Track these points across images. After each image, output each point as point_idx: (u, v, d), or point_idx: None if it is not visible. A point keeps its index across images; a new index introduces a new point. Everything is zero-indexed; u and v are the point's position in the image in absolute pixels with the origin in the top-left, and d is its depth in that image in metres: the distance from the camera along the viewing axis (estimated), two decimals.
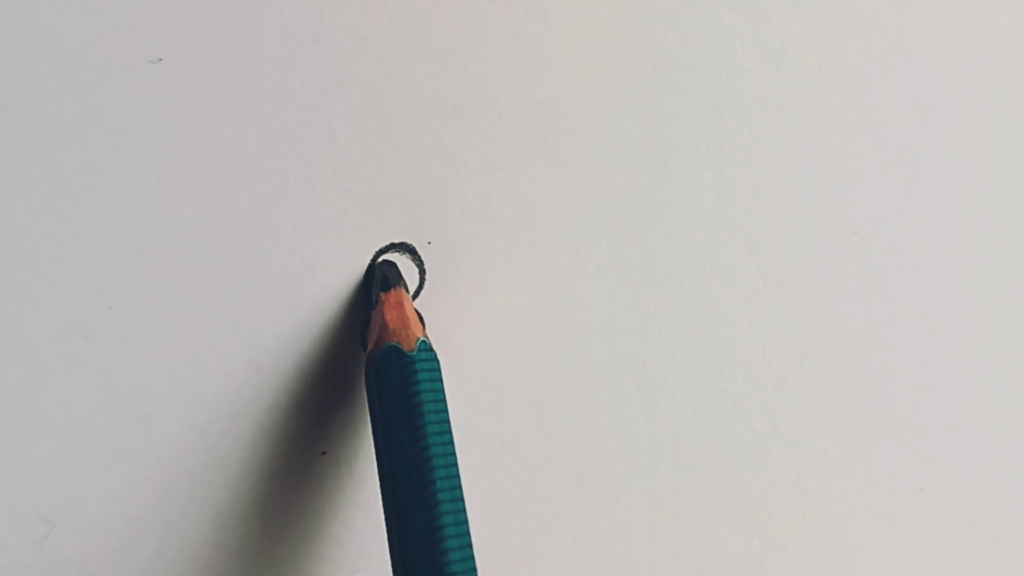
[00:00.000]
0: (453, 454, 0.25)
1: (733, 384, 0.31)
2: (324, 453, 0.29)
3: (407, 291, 0.28)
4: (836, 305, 0.31)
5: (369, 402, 0.27)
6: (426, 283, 0.29)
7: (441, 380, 0.27)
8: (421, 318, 0.29)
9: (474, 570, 0.24)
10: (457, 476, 0.25)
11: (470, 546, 0.24)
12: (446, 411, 0.26)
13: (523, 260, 0.30)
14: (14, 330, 0.27)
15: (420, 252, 0.29)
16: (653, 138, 0.30)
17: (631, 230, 0.30)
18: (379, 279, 0.28)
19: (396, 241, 0.29)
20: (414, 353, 0.26)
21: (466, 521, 0.25)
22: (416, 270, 0.29)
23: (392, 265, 0.29)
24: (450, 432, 0.26)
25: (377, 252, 0.29)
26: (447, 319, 0.29)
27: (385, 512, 0.25)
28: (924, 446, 0.32)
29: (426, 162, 0.29)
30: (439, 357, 0.29)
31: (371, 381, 0.27)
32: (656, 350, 0.31)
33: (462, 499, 0.25)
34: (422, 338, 0.27)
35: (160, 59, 0.28)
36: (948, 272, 0.32)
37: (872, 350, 0.32)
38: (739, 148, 0.31)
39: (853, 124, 0.31)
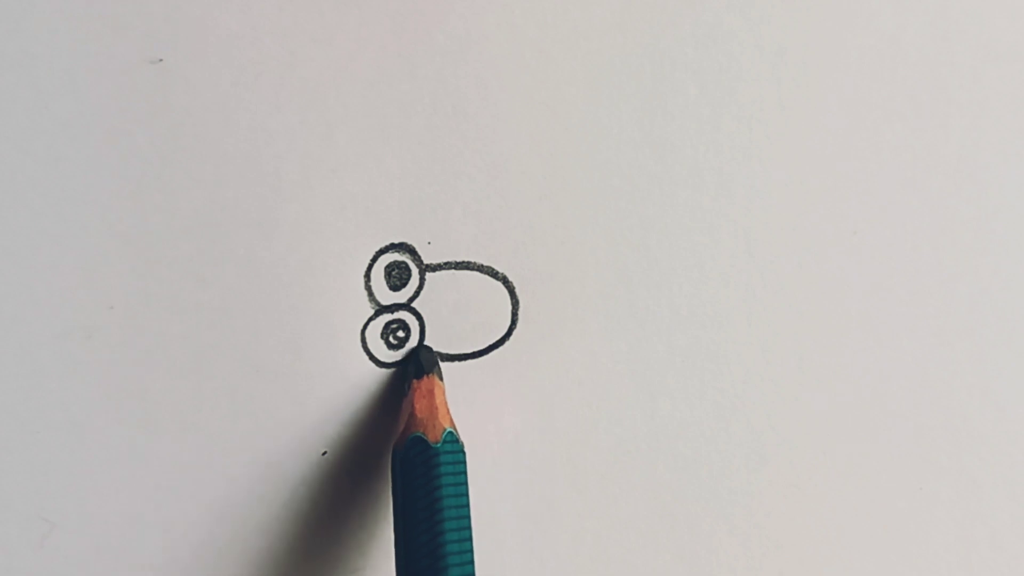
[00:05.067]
0: (471, 551, 0.26)
1: (732, 384, 0.31)
2: (324, 453, 0.29)
3: (441, 379, 0.28)
4: (835, 305, 0.31)
5: (392, 490, 0.27)
6: (425, 283, 0.29)
7: (465, 473, 0.27)
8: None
9: None
10: (471, 564, 0.25)
11: None
12: (467, 506, 0.26)
13: (522, 260, 0.30)
14: (14, 330, 0.27)
15: (420, 252, 0.29)
16: (652, 138, 0.30)
17: (630, 230, 0.30)
18: (413, 365, 0.28)
19: (396, 241, 0.29)
20: (439, 445, 0.26)
21: None
22: (416, 270, 0.29)
23: (428, 351, 0.29)
24: (469, 528, 0.26)
25: (377, 252, 0.29)
26: (446, 318, 0.29)
27: None
28: (924, 446, 0.32)
29: (426, 162, 0.29)
30: (440, 362, 0.29)
31: (396, 470, 0.27)
32: (655, 350, 0.31)
33: None
34: (448, 429, 0.27)
35: (161, 60, 0.28)
36: (947, 272, 0.32)
37: (871, 350, 0.32)
38: (738, 148, 0.31)
39: (852, 124, 0.31)
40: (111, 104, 0.27)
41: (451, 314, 0.29)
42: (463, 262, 0.29)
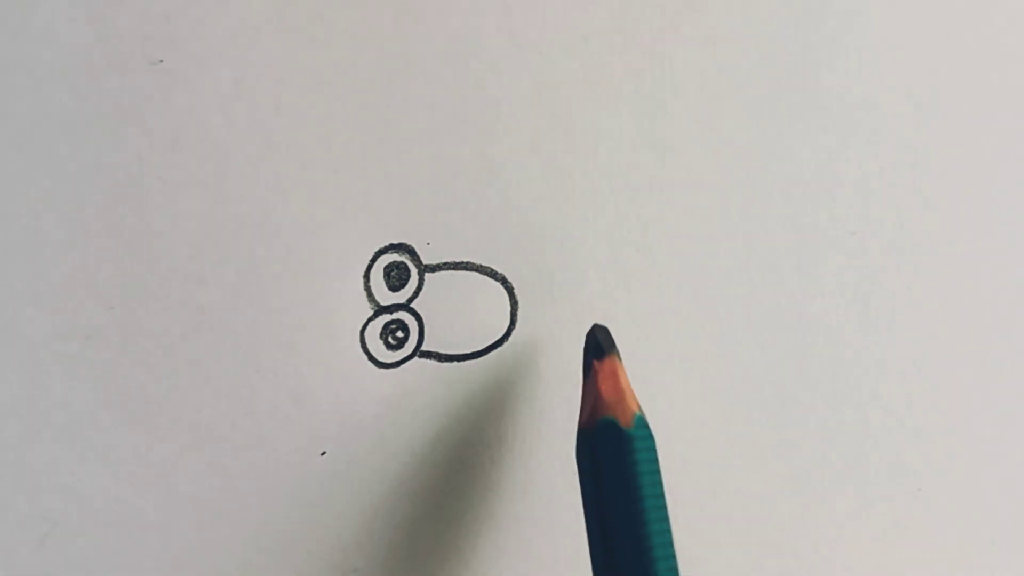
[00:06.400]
0: (670, 535, 0.25)
1: (732, 384, 0.31)
2: (324, 453, 0.29)
3: (620, 359, 0.27)
4: (834, 305, 0.31)
5: (580, 476, 0.26)
6: (424, 283, 0.29)
7: (657, 460, 0.25)
8: None
9: None
10: (674, 557, 0.24)
11: None
12: (663, 493, 0.25)
13: (522, 260, 0.30)
14: (15, 330, 0.27)
15: (420, 252, 0.29)
16: (652, 138, 0.30)
17: (629, 230, 0.30)
18: (592, 345, 0.27)
19: (395, 241, 0.29)
20: (631, 430, 0.25)
21: None
22: (415, 270, 0.29)
23: (604, 330, 0.27)
24: (667, 514, 0.25)
25: (376, 252, 0.29)
26: (445, 319, 0.29)
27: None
28: (923, 446, 0.32)
29: (426, 162, 0.29)
30: (438, 363, 0.29)
31: (584, 455, 0.26)
32: (656, 350, 0.31)
33: None
34: (638, 413, 0.26)
35: (161, 61, 0.28)
36: (947, 272, 0.32)
37: (871, 350, 0.32)
38: (738, 148, 0.31)
39: (852, 124, 0.31)
40: (111, 104, 0.27)
41: (450, 315, 0.29)
42: (462, 262, 0.29)
